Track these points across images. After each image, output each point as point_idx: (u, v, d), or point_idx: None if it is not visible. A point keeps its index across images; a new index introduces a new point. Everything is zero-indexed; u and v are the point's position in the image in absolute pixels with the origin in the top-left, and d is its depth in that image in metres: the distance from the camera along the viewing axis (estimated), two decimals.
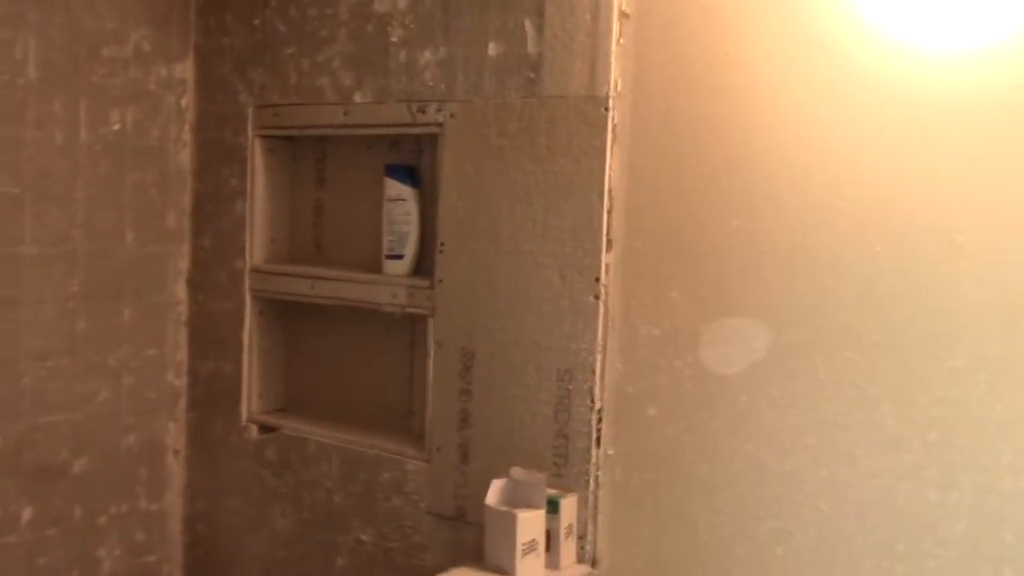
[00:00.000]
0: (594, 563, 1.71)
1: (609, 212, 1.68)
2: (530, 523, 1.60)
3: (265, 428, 2.14)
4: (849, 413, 1.49)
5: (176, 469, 2.23)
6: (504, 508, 1.62)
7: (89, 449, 2.05)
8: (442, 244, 1.86)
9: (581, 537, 1.70)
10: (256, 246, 2.14)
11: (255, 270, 2.14)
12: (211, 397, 2.21)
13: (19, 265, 1.91)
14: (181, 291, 2.22)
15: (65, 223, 1.98)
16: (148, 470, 2.17)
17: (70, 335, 2.01)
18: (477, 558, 1.72)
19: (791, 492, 1.54)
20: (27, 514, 1.95)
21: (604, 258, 1.68)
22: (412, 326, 2.01)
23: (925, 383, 1.43)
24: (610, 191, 1.68)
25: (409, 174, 1.97)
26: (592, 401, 1.69)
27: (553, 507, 1.65)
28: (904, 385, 1.45)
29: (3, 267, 1.89)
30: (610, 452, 1.70)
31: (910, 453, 1.44)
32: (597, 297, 1.69)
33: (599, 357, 1.69)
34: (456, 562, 1.81)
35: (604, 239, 1.68)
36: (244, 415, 2.15)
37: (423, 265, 1.96)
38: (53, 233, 1.96)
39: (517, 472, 1.66)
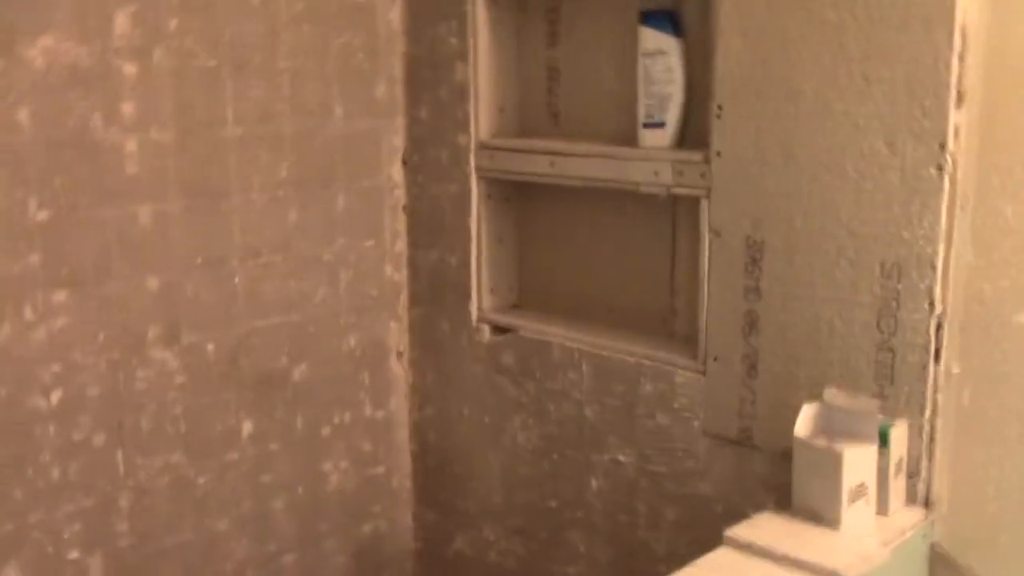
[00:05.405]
0: (927, 504, 1.37)
1: (960, 55, 1.26)
2: (860, 462, 1.26)
3: (499, 329, 1.86)
4: None
5: (400, 372, 1.99)
6: (822, 443, 1.28)
7: (309, 354, 1.83)
8: (719, 107, 1.48)
9: (912, 475, 1.35)
10: (482, 117, 1.82)
11: (482, 146, 1.82)
12: (435, 292, 1.95)
13: (224, 149, 1.67)
14: (397, 172, 1.94)
15: (268, 98, 1.72)
16: (371, 374, 1.94)
17: (282, 227, 1.77)
18: (774, 493, 1.41)
19: None
20: (248, 427, 1.76)
21: (952, 117, 1.27)
22: (674, 209, 1.67)
23: None
24: (963, 26, 1.26)
25: (671, 21, 1.59)
26: (931, 304, 1.31)
27: (882, 439, 1.30)
28: None
29: (208, 152, 1.65)
30: (955, 370, 1.33)
31: None
32: (941, 168, 1.29)
33: (942, 247, 1.30)
34: (742, 494, 1.52)
35: (953, 92, 1.27)
36: (475, 314, 1.88)
37: (690, 134, 1.60)
38: (256, 111, 1.70)
39: (834, 395, 1.32)
